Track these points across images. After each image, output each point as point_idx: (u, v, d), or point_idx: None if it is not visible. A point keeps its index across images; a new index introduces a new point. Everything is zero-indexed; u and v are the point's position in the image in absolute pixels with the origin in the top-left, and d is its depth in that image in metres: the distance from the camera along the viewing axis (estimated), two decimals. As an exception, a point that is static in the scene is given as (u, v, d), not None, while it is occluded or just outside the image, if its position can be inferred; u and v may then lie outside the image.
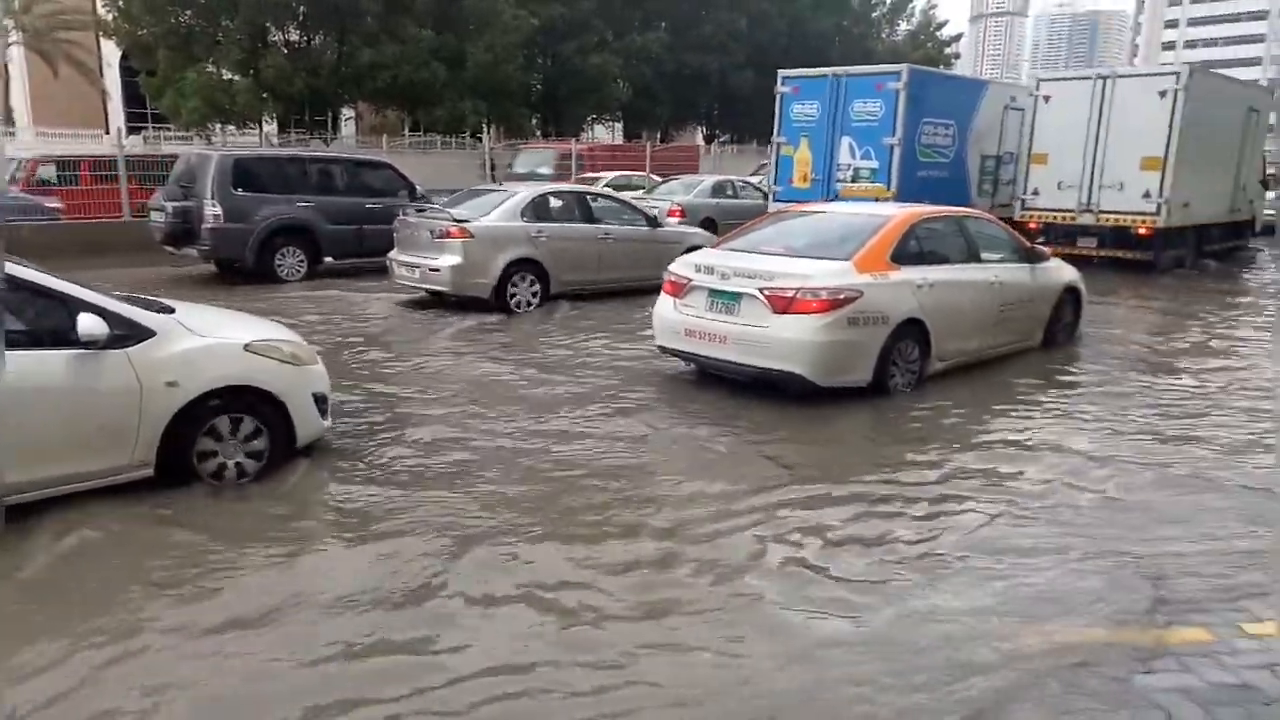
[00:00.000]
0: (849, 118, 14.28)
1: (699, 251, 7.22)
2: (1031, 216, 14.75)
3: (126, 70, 32.41)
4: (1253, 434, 5.82)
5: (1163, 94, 13.51)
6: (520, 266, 10.02)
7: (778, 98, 15.14)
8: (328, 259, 12.14)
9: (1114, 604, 3.53)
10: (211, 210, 11.03)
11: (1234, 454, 5.39)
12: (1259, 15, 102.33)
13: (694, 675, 3.01)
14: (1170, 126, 13.45)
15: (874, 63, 40.78)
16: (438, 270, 9.80)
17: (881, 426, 5.95)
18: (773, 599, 3.53)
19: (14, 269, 4.09)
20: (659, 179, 20.30)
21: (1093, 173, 14.12)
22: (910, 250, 6.73)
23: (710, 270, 6.57)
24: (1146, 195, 13.70)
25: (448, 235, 9.79)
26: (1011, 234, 8.32)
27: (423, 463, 5.05)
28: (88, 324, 4.10)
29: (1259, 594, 3.63)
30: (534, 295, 10.16)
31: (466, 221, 9.88)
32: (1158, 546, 4.04)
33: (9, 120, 28.51)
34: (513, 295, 10.01)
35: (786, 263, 6.41)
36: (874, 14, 46.68)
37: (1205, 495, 4.70)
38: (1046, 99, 14.62)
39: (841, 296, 6.02)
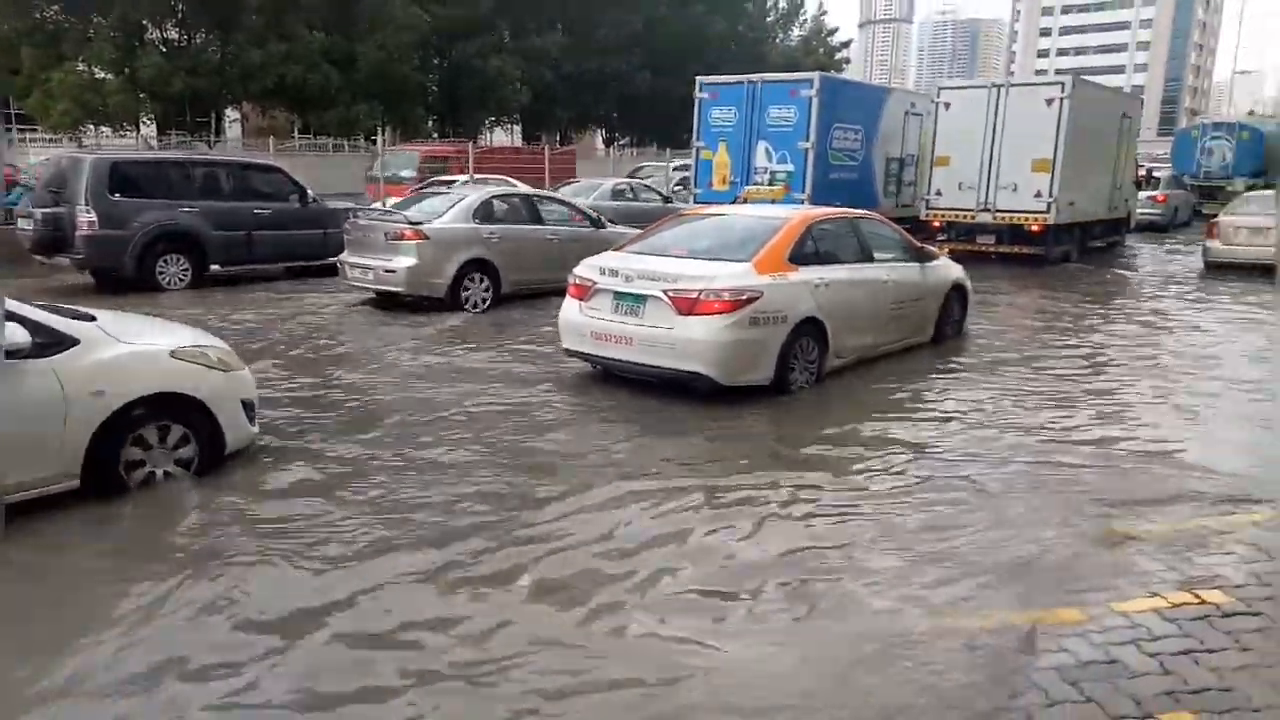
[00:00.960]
0: (765, 123, 15.05)
1: (602, 255, 7.31)
2: (935, 215, 15.86)
3: None
4: (1106, 416, 6.33)
5: (1050, 102, 14.74)
6: (473, 267, 10.31)
7: (696, 103, 15.78)
8: (214, 267, 11.68)
9: (995, 588, 3.67)
10: (86, 217, 10.48)
11: (1086, 441, 5.75)
12: (1123, 25, 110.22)
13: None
14: (1057, 132, 14.67)
15: (768, 67, 42.14)
16: (393, 271, 10.03)
17: (781, 424, 6.16)
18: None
19: None
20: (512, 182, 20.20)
21: (990, 174, 15.25)
22: (807, 251, 6.99)
23: (615, 273, 6.67)
24: (1038, 195, 14.90)
25: (402, 237, 10.03)
26: (901, 234, 8.72)
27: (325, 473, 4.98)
28: (9, 332, 3.98)
29: (1125, 573, 3.83)
30: (486, 294, 10.46)
31: (421, 224, 10.12)
32: (1027, 533, 4.21)
33: None
34: (466, 295, 10.27)
35: (689, 265, 6.57)
36: (768, 19, 47.99)
37: (1066, 481, 4.94)
38: (947, 106, 15.73)
39: (743, 297, 6.21)
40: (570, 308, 7.00)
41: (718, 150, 15.55)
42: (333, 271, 12.29)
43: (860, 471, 5.13)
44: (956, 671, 3.07)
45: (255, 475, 4.91)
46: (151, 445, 4.56)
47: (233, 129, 32.50)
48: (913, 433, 5.86)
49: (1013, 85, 15.73)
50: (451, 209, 10.52)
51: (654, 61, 37.69)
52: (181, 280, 11.34)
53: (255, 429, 5.10)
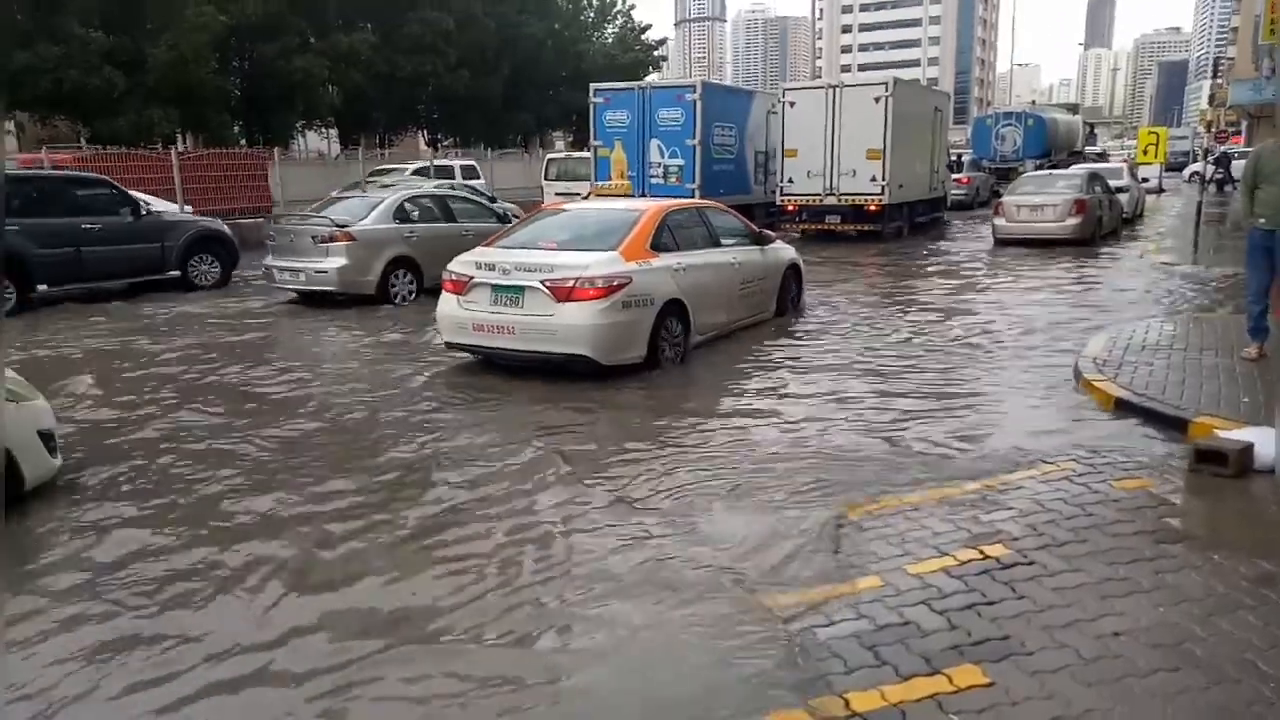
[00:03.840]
0: (656, 123, 17.47)
1: (474, 250, 7.93)
2: (789, 200, 18.75)
3: None
4: (918, 386, 7.03)
5: (877, 99, 17.81)
6: (398, 264, 11.40)
7: (591, 107, 18.35)
8: (41, 287, 11.31)
9: (804, 560, 3.94)
10: None
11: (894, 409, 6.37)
12: (914, 23, 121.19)
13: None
14: (885, 124, 17.71)
15: (589, 66, 43.51)
16: (324, 272, 11.04)
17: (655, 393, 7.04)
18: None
19: None
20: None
21: (832, 163, 18.04)
22: (665, 239, 7.91)
23: (492, 267, 7.32)
24: (873, 179, 17.92)
25: (332, 239, 11.03)
26: (742, 220, 9.89)
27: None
28: None
29: (920, 537, 4.14)
30: (411, 288, 11.51)
31: (347, 226, 11.09)
32: (841, 495, 4.63)
33: None
34: (393, 290, 11.37)
35: (561, 256, 7.31)
36: (582, 17, 49.29)
37: (875, 448, 5.43)
38: (792, 104, 18.56)
39: (615, 283, 7.03)
40: (448, 302, 7.58)
41: (614, 148, 17.82)
42: (182, 285, 12.64)
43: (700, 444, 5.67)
44: (761, 646, 3.24)
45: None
46: None
47: (4, 141, 29.82)
48: (759, 404, 6.62)
49: (846, 85, 18.74)
50: (373, 210, 11.57)
51: (470, 61, 37.92)
52: (4, 301, 10.85)
53: (58, 461, 4.94)
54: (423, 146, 39.40)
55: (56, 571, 4.01)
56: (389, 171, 22.94)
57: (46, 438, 4.81)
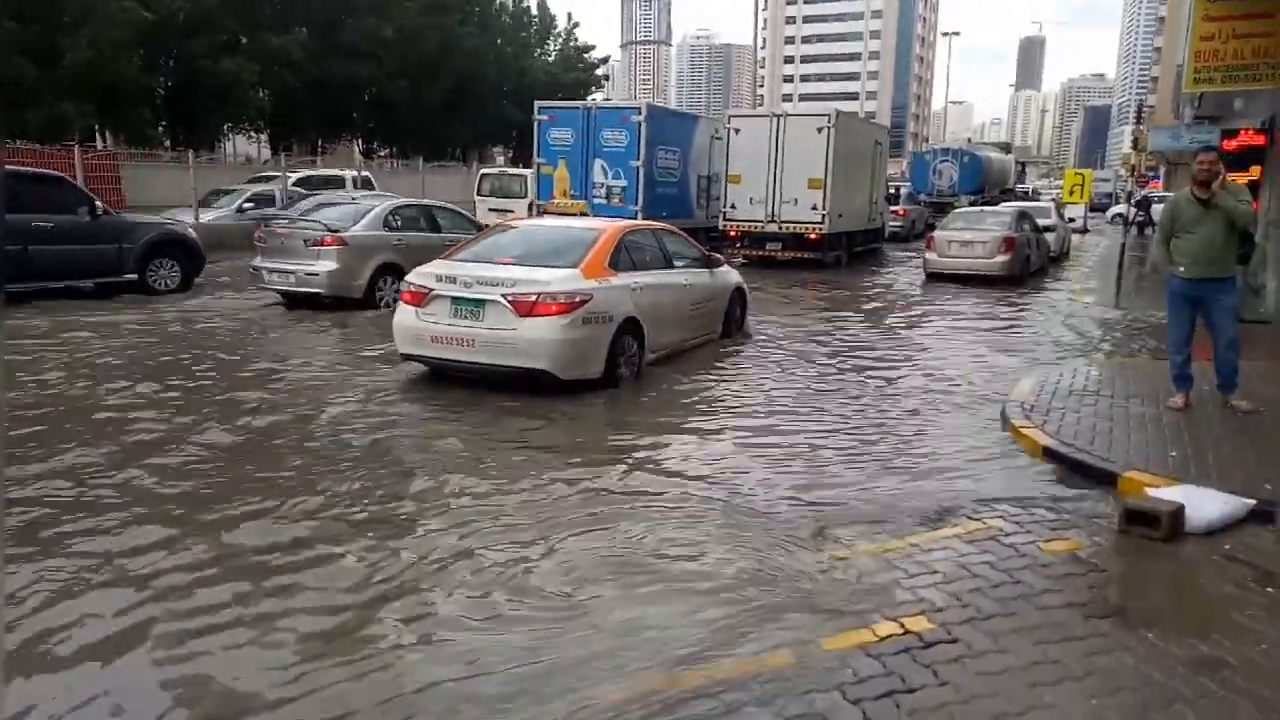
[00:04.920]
0: (600, 143, 17.89)
1: (432, 263, 8.15)
2: (731, 226, 19.30)
3: None
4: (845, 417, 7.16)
5: (819, 130, 18.53)
6: (385, 270, 11.87)
7: (535, 125, 18.79)
8: None
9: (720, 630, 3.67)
10: None
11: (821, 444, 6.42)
12: (854, 56, 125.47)
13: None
14: (827, 155, 18.40)
15: (532, 83, 43.95)
16: (315, 275, 11.52)
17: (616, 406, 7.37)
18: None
19: None
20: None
21: (774, 191, 18.65)
22: (622, 258, 8.28)
23: (452, 280, 7.57)
24: (814, 208, 18.58)
25: (323, 244, 11.52)
26: (693, 243, 10.36)
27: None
28: None
29: (838, 603, 3.91)
30: (396, 294, 11.58)
31: (339, 231, 11.60)
32: (755, 555, 4.41)
33: None
34: (380, 295, 11.82)
35: (523, 271, 7.59)
36: (523, 34, 49.83)
37: (790, 499, 5.22)
38: (737, 131, 19.18)
39: (577, 299, 7.35)
40: (406, 314, 7.78)
41: (558, 166, 18.20)
42: (140, 288, 12.65)
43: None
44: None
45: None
46: None
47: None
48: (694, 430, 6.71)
49: (789, 115, 19.64)
50: (364, 217, 12.16)
51: (409, 70, 37.94)
52: None
53: None
54: (357, 155, 39.11)
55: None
56: (268, 179, 22.52)
57: None
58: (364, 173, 25.10)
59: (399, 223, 12.52)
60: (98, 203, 12.54)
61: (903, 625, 3.72)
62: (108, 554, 4.28)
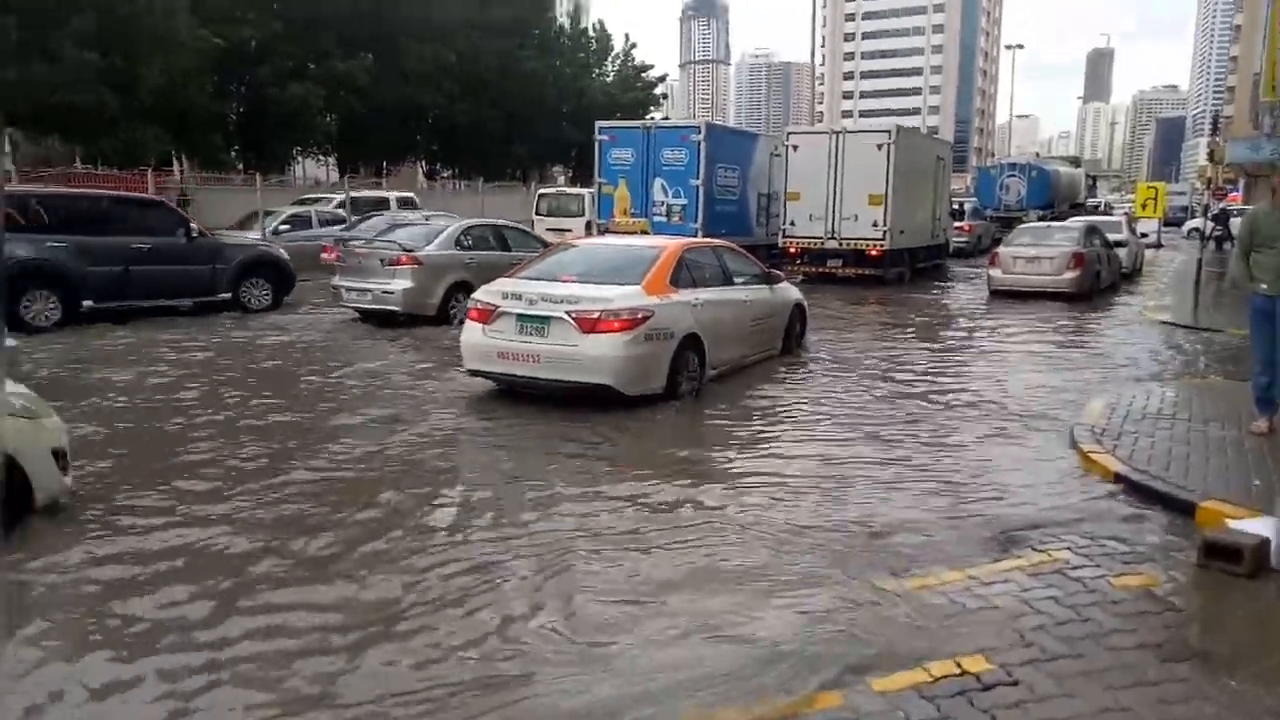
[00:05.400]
0: (660, 163, 18.20)
1: (498, 281, 8.38)
2: (791, 243, 19.49)
3: None
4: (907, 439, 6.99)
5: (880, 146, 18.63)
6: (458, 288, 12.20)
7: (596, 145, 19.28)
8: (87, 303, 11.78)
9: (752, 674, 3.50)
10: None
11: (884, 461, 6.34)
12: (916, 72, 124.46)
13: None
14: (887, 171, 18.45)
15: (590, 103, 44.59)
16: (391, 293, 12.09)
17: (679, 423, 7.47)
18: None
19: None
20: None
21: (834, 207, 18.77)
22: (683, 275, 8.40)
23: (518, 297, 7.78)
24: (874, 224, 18.66)
25: (399, 263, 12.11)
26: (753, 260, 10.44)
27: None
28: None
29: (891, 640, 3.70)
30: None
31: (414, 251, 12.13)
32: (803, 586, 4.27)
33: None
34: (452, 312, 12.08)
35: (586, 288, 7.76)
36: (581, 55, 50.64)
37: (849, 526, 5.06)
38: (795, 148, 19.42)
39: (639, 316, 7.49)
40: (473, 331, 8.01)
41: (619, 185, 18.61)
42: (234, 306, 13.27)
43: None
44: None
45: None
46: None
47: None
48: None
49: (849, 132, 19.87)
50: (437, 237, 12.79)
51: (471, 94, 38.88)
52: (49, 318, 11.38)
53: (69, 479, 5.07)
54: (420, 177, 40.10)
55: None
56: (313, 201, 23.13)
57: (59, 456, 4.95)
58: (408, 193, 25.60)
59: (470, 242, 13.08)
60: (194, 225, 13.22)
61: (959, 665, 3.49)
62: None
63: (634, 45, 53.14)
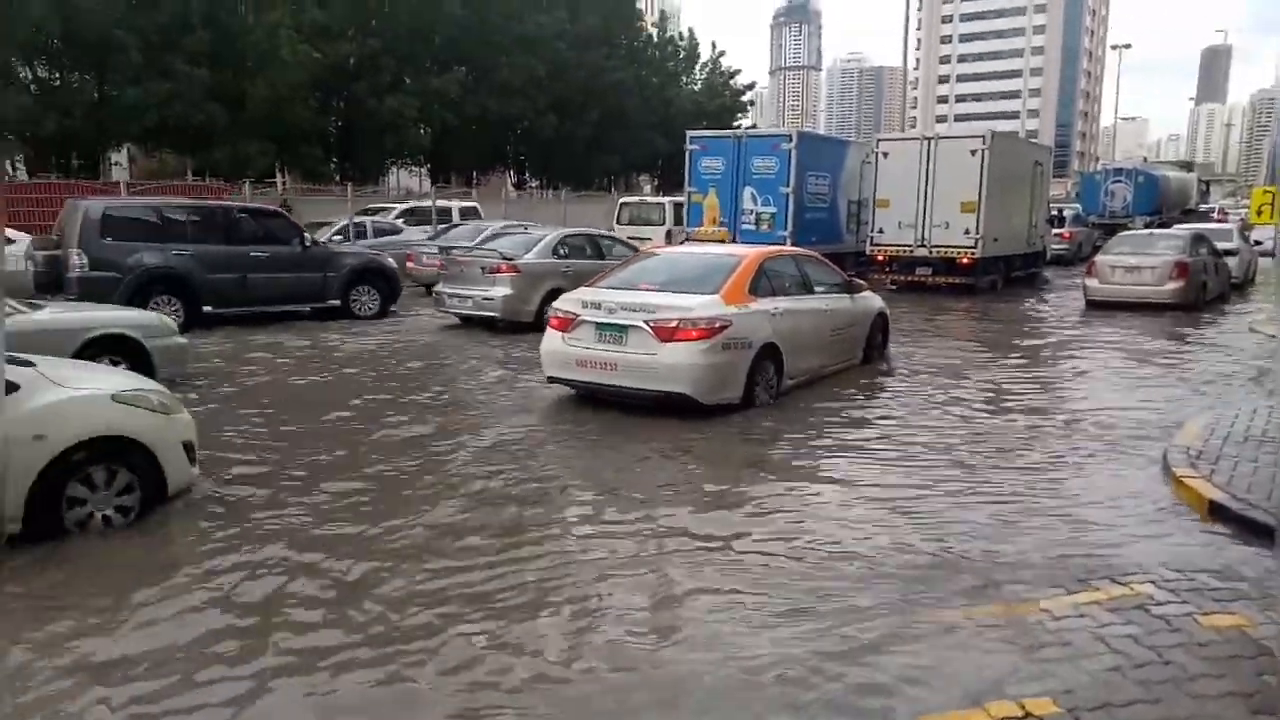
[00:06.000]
0: (750, 171, 18.40)
1: (578, 290, 8.61)
2: (879, 250, 19.29)
3: None
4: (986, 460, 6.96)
5: (973, 152, 18.32)
6: (554, 295, 12.26)
7: (687, 154, 19.49)
8: (207, 308, 12.59)
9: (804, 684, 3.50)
10: (77, 260, 11.47)
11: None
12: (1015, 74, 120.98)
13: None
14: (981, 177, 18.15)
15: (677, 112, 44.85)
16: (491, 299, 12.71)
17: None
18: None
19: None
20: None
21: (924, 214, 18.56)
22: (762, 284, 8.46)
23: (597, 306, 7.97)
24: (966, 232, 18.34)
25: (498, 270, 12.69)
26: (834, 269, 10.41)
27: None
28: None
29: (952, 674, 3.54)
30: None
31: (513, 259, 12.69)
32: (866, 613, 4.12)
33: None
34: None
35: (664, 297, 7.91)
36: (669, 64, 50.94)
37: (921, 547, 4.93)
38: (885, 154, 19.29)
39: (717, 325, 7.59)
40: (553, 339, 8.24)
41: (708, 194, 18.86)
42: (344, 313, 13.96)
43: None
44: None
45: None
46: (95, 487, 4.91)
47: (114, 171, 32.32)
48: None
49: (941, 138, 19.33)
50: (535, 246, 13.34)
51: (559, 105, 39.61)
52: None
53: (196, 470, 5.51)
54: (508, 186, 41.02)
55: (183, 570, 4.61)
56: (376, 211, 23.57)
57: (188, 448, 5.42)
58: (473, 203, 25.95)
59: (566, 251, 13.62)
60: (308, 235, 13.99)
61: (1023, 707, 3.26)
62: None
63: (722, 53, 53.26)
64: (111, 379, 5.62)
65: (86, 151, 28.75)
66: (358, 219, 21.36)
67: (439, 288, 13.62)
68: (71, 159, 28.18)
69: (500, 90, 37.15)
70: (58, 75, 27.82)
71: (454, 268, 13.48)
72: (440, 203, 25.78)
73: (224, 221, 13.38)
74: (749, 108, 58.30)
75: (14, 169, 28.04)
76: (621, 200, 26.91)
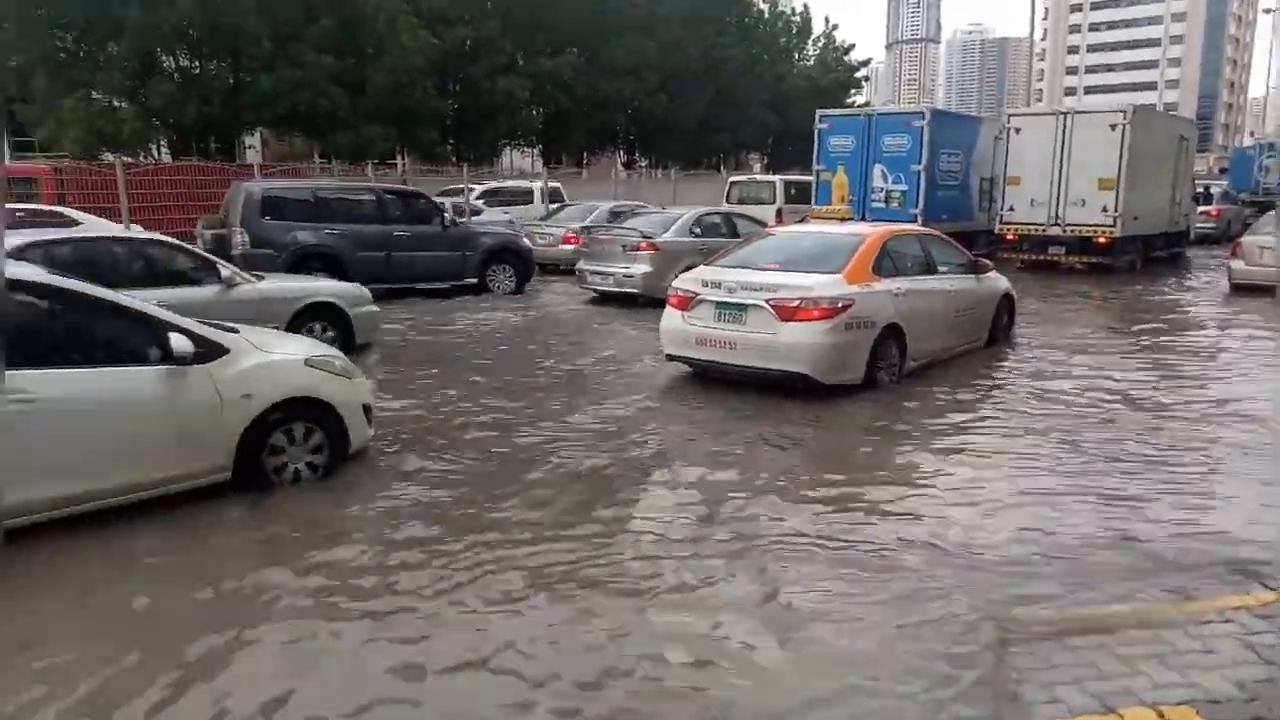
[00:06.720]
0: (880, 149, 18.33)
1: (698, 269, 8.62)
2: (1008, 229, 18.84)
3: (9, 98, 31.82)
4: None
5: (1113, 127, 17.65)
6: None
7: (816, 133, 19.55)
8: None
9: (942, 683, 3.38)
10: (239, 238, 12.31)
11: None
12: (1152, 43, 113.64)
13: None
14: (1121, 153, 17.46)
15: (788, 88, 44.14)
16: (631, 276, 13.29)
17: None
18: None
19: (114, 295, 4.99)
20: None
21: (1059, 192, 18.00)
22: (886, 264, 8.30)
23: (717, 285, 7.97)
24: (1104, 210, 17.67)
25: (639, 249, 13.29)
26: (959, 248, 10.11)
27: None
28: (179, 342, 4.87)
29: (1080, 679, 3.39)
30: None
31: (653, 237, 13.30)
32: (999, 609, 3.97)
33: None
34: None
35: (785, 276, 7.85)
36: (781, 40, 50.14)
37: (1055, 544, 4.71)
38: (1017, 130, 18.80)
39: (839, 305, 7.50)
40: (672, 317, 8.29)
41: (836, 173, 18.92)
42: (481, 290, 14.55)
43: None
44: None
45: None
46: (290, 443, 5.42)
47: (248, 155, 34.09)
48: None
49: (1078, 112, 18.80)
50: (674, 225, 13.97)
51: (669, 84, 39.56)
52: None
53: (371, 431, 5.97)
54: (618, 166, 41.31)
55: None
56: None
57: (367, 410, 5.90)
58: (554, 184, 25.80)
59: (701, 229, 14.08)
60: (448, 214, 14.53)
61: (1161, 716, 3.11)
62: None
63: (835, 27, 52.17)
64: (300, 344, 6.10)
65: (224, 136, 30.35)
66: (436, 198, 22.06)
67: (580, 265, 14.29)
68: (210, 143, 29.78)
69: (612, 71, 37.36)
70: (197, 64, 29.40)
71: (595, 246, 14.19)
72: (521, 183, 26.03)
73: (371, 202, 14.09)
74: (863, 84, 56.90)
75: (159, 153, 29.95)
76: (731, 179, 26.68)
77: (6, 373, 4.29)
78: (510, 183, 25.81)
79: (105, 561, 4.46)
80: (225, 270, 8.77)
